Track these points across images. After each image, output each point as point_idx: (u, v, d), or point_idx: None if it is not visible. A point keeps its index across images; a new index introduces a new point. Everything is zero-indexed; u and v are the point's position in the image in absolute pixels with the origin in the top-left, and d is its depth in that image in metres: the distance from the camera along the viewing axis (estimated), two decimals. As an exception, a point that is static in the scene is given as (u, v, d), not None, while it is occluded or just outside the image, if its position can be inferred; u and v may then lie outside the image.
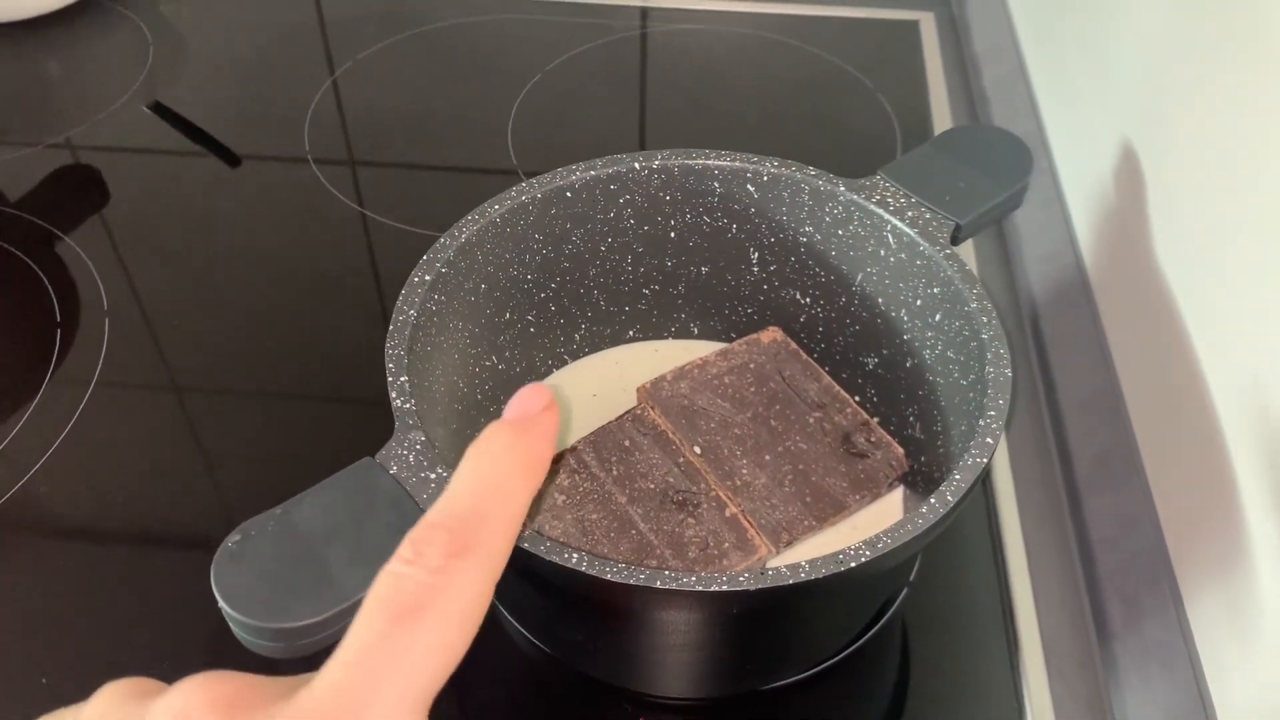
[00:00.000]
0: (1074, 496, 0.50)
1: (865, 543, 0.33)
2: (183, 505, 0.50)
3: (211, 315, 0.60)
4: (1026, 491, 0.51)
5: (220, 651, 0.42)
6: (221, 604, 0.30)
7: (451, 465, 0.35)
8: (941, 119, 0.73)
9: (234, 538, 0.31)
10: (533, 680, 0.44)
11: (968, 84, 0.76)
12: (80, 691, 0.24)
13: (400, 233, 0.64)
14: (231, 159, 0.71)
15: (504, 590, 0.44)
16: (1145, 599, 0.44)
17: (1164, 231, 0.48)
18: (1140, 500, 0.47)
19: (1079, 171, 0.59)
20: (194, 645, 0.44)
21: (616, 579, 0.32)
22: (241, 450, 0.53)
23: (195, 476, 0.52)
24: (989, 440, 0.36)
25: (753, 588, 0.32)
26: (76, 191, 0.69)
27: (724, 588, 0.32)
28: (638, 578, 0.32)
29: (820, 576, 0.32)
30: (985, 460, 0.35)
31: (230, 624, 0.30)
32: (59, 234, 0.64)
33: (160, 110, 0.75)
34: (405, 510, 0.33)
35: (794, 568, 0.32)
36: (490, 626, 0.45)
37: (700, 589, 0.32)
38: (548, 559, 0.32)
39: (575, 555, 0.32)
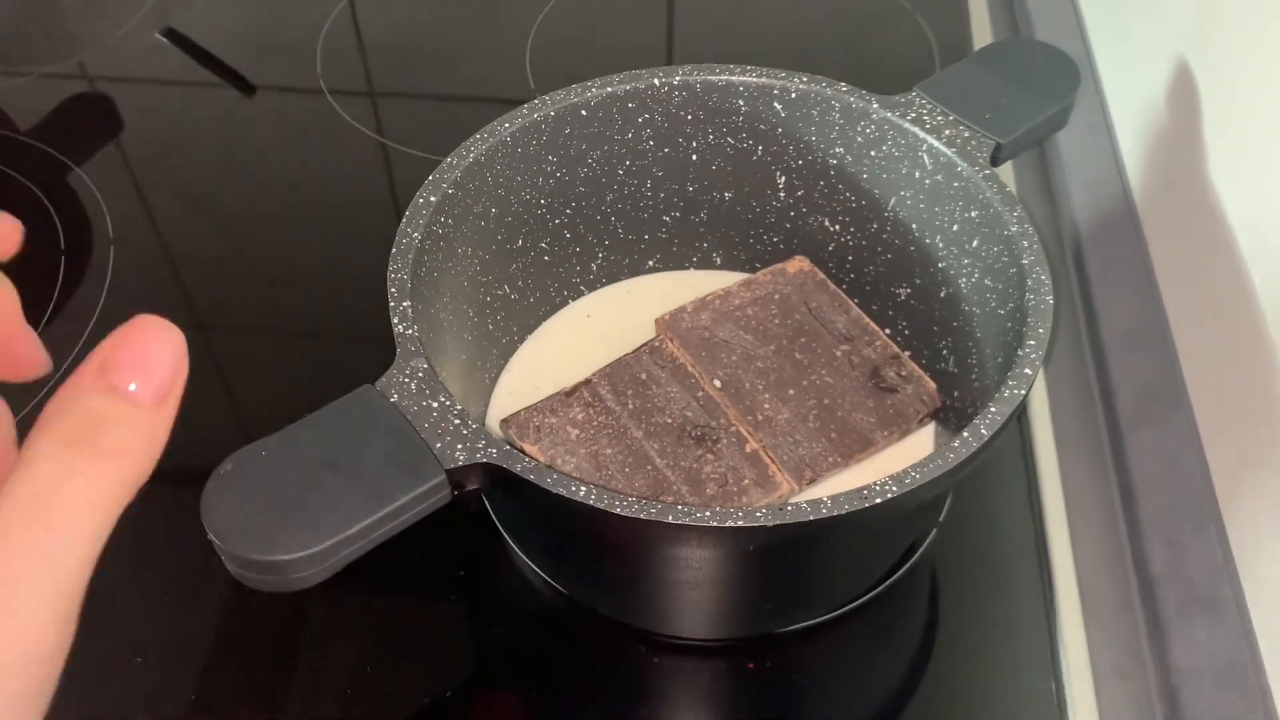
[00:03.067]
0: (1115, 433, 0.47)
1: (892, 478, 0.31)
2: (192, 437, 0.49)
3: (225, 247, 0.58)
4: (1065, 428, 0.48)
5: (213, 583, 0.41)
6: (210, 535, 0.29)
7: (457, 396, 0.34)
8: (983, 41, 0.69)
9: (226, 466, 0.30)
10: (545, 619, 0.43)
11: (1010, 2, 0.72)
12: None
13: (416, 160, 0.62)
14: (246, 87, 0.69)
15: (515, 526, 0.43)
16: (1189, 542, 0.42)
17: (1217, 155, 0.45)
18: (1186, 437, 0.44)
19: (1128, 94, 0.56)
20: (177, 576, 0.44)
21: (626, 513, 0.30)
22: (255, 383, 0.52)
23: (207, 409, 0.50)
24: (1027, 371, 0.34)
25: (770, 523, 0.30)
26: (89, 120, 0.67)
27: (740, 523, 0.30)
28: (649, 512, 0.30)
29: (843, 513, 0.30)
30: (1023, 392, 0.33)
31: (220, 557, 0.29)
32: (71, 164, 0.62)
33: (173, 36, 0.72)
34: (406, 439, 0.31)
35: (815, 503, 0.30)
36: (502, 562, 0.44)
37: (715, 524, 0.30)
38: (555, 492, 0.31)
39: (584, 488, 0.31)
